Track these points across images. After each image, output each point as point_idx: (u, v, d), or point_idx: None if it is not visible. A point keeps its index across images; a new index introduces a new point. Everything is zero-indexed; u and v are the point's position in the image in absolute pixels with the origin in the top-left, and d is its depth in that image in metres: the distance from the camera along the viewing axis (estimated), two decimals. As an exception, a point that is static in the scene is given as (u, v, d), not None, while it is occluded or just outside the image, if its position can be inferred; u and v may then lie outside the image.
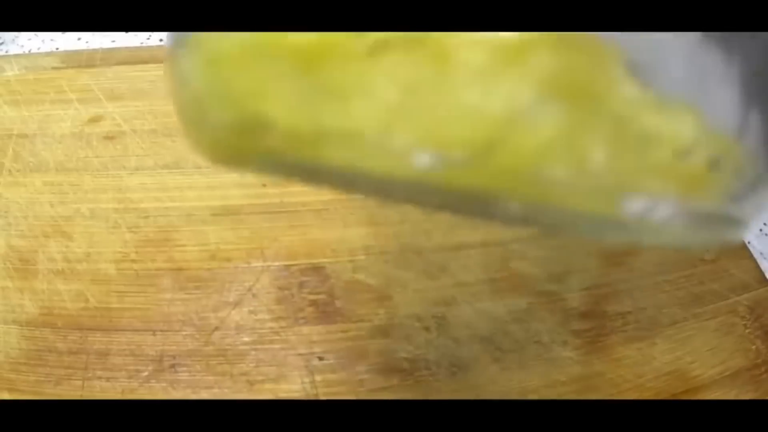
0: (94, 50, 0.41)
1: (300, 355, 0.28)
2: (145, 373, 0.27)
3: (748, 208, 0.17)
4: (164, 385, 0.27)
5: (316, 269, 0.31)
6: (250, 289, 0.30)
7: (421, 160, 0.15)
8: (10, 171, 0.34)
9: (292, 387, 0.27)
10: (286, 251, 0.32)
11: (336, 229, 0.32)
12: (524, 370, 0.28)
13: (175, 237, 0.32)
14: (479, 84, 0.15)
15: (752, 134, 0.17)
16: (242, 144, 0.16)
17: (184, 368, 0.28)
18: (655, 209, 0.16)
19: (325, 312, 0.30)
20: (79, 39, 0.46)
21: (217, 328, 0.29)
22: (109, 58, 0.40)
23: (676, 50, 0.18)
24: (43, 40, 0.46)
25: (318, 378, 0.28)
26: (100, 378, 0.27)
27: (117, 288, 0.30)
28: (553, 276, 0.31)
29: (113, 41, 0.46)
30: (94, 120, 0.37)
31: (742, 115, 0.17)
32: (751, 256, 0.33)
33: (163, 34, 0.46)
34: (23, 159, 0.35)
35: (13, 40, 0.46)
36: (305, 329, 0.29)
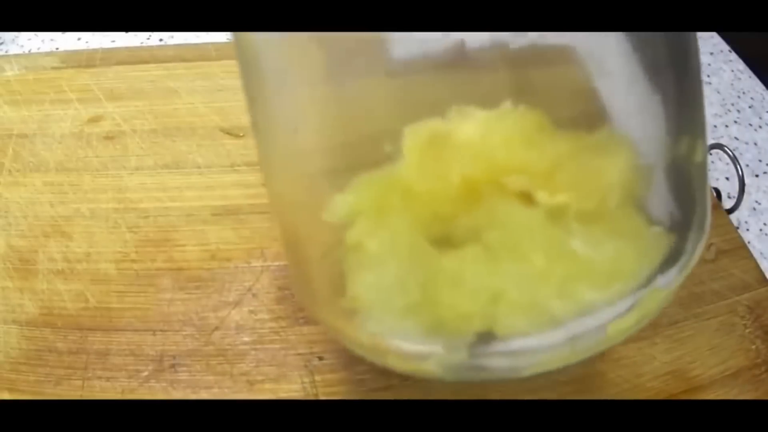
0: (94, 50, 0.41)
1: (300, 355, 0.28)
2: (145, 373, 0.27)
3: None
4: (164, 385, 0.27)
5: (316, 269, 0.31)
6: (250, 289, 0.30)
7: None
8: (10, 171, 0.34)
9: (292, 387, 0.27)
10: (286, 251, 0.32)
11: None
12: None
13: (175, 237, 0.32)
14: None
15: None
16: None
17: (184, 368, 0.28)
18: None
19: (325, 312, 0.30)
20: (79, 39, 0.46)
21: (217, 328, 0.29)
22: (109, 58, 0.40)
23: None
24: (43, 40, 0.46)
25: (318, 378, 0.28)
26: (100, 378, 0.27)
27: (117, 288, 0.30)
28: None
29: (113, 41, 0.46)
30: (94, 120, 0.37)
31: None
32: (751, 256, 0.33)
33: (164, 34, 0.46)
34: (23, 159, 0.35)
35: (13, 40, 0.46)
36: (305, 329, 0.29)
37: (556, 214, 0.18)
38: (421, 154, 0.18)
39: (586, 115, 0.19)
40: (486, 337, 0.18)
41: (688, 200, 0.20)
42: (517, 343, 0.18)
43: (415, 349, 0.19)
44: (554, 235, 0.18)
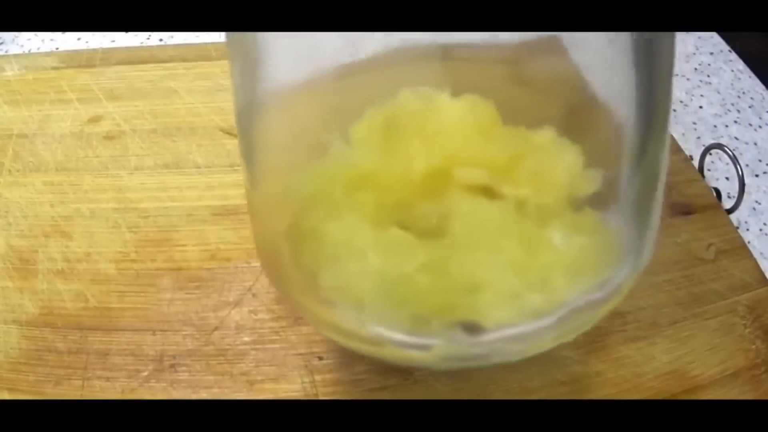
0: (94, 50, 0.41)
1: (300, 354, 0.28)
2: (145, 373, 0.27)
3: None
4: (164, 385, 0.27)
5: (316, 269, 0.31)
6: (250, 289, 0.30)
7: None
8: (10, 171, 0.34)
9: (292, 387, 0.27)
10: (286, 251, 0.32)
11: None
12: (524, 370, 0.28)
13: (175, 237, 0.32)
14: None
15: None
16: None
17: (184, 368, 0.28)
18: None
19: (325, 312, 0.30)
20: (79, 39, 0.46)
21: (217, 328, 0.29)
22: (109, 58, 0.40)
23: None
24: (43, 40, 0.46)
25: (318, 378, 0.28)
26: (100, 378, 0.27)
27: (117, 288, 0.30)
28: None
29: (113, 41, 0.46)
30: (94, 120, 0.37)
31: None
32: (751, 256, 0.33)
33: (164, 34, 0.46)
34: (23, 159, 0.35)
35: (13, 40, 0.46)
36: (305, 329, 0.29)
37: (519, 208, 0.18)
38: (374, 140, 0.18)
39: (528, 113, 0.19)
40: (474, 327, 0.18)
41: (640, 206, 0.20)
42: (506, 332, 0.18)
43: (415, 340, 0.19)
44: (525, 227, 0.18)
